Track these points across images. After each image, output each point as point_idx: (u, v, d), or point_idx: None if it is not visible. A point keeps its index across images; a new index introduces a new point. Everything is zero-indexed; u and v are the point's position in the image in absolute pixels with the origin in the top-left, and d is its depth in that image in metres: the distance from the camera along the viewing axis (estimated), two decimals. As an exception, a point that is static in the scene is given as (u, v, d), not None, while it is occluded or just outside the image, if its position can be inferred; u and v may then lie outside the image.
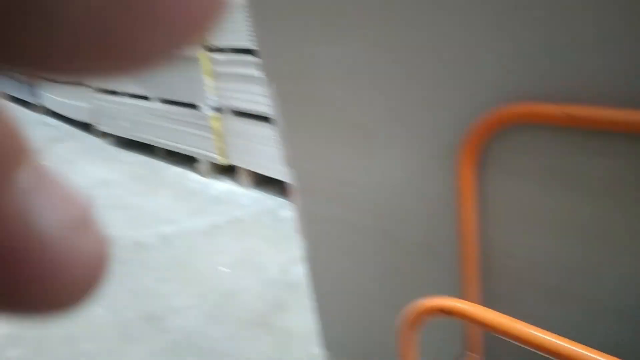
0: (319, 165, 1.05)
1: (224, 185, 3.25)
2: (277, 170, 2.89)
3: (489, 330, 0.57)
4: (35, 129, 5.29)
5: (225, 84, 3.00)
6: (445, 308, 0.60)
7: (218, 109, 3.13)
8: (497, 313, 0.58)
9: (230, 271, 2.25)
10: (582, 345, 0.50)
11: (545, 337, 0.52)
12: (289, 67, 1.01)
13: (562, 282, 0.77)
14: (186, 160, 3.59)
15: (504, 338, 0.57)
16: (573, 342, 0.51)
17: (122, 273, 2.28)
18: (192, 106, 3.29)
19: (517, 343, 0.55)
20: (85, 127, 4.84)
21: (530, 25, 0.68)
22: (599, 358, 0.49)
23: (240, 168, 3.19)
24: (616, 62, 0.62)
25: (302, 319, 1.88)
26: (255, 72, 2.76)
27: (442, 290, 0.73)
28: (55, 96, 5.28)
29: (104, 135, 4.48)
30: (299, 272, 2.19)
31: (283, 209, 2.82)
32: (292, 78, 1.01)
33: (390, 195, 0.95)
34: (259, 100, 2.82)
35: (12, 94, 6.54)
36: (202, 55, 3.03)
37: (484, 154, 0.78)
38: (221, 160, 3.24)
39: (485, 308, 0.59)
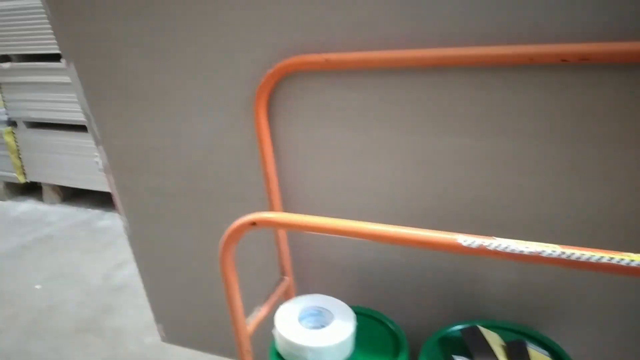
0: (129, 140, 1.11)
1: (26, 205, 2.98)
2: (85, 181, 2.76)
3: (296, 228, 0.70)
4: None
5: (14, 94, 2.76)
6: (256, 220, 0.72)
7: (9, 123, 2.87)
8: (298, 214, 0.71)
9: (45, 287, 2.11)
10: (372, 223, 0.67)
11: (343, 221, 0.67)
12: (88, 45, 1.05)
13: (342, 199, 0.96)
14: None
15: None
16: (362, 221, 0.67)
17: None
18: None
19: (322, 233, 0.69)
20: None
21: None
22: (378, 228, 0.65)
23: (42, 184, 2.96)
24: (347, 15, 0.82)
25: (132, 317, 1.86)
26: (46, 79, 2.61)
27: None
28: None
29: None
30: (122, 275, 2.15)
31: (97, 219, 2.71)
32: (92, 55, 1.05)
33: (199, 156, 1.05)
34: (53, 108, 2.66)
35: None
36: (-18, 64, 2.75)
37: (273, 102, 0.93)
38: (19, 178, 2.97)
39: (287, 213, 0.73)
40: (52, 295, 2.05)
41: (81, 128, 2.63)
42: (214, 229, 1.13)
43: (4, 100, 2.81)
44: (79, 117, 2.59)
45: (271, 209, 0.97)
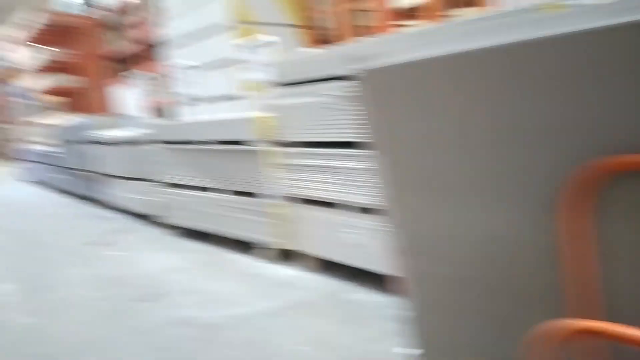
0: (427, 227, 1.19)
1: (286, 270, 3.37)
2: (340, 254, 3.02)
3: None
4: (96, 221, 5.62)
5: (290, 174, 3.24)
6: (591, 329, 0.70)
7: (281, 197, 3.35)
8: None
9: (299, 349, 2.31)
10: None
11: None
12: (398, 140, 1.19)
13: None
14: (251, 248, 3.77)
15: None
16: None
17: (202, 351, 2.37)
18: (255, 195, 3.53)
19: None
20: (144, 218, 5.15)
21: (616, 88, 0.84)
22: None
23: (304, 253, 3.33)
24: None
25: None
26: (317, 163, 3.00)
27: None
28: (111, 189, 5.66)
29: (163, 225, 4.73)
30: (377, 350, 2.24)
31: (349, 292, 2.90)
32: (401, 150, 1.18)
33: (495, 248, 1.07)
34: (319, 187, 3.03)
35: (66, 189, 6.99)
36: (267, 148, 3.32)
37: (584, 202, 0.91)
38: (285, 245, 3.41)
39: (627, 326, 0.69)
40: (306, 357, 2.24)
41: (342, 206, 2.92)
42: (502, 325, 1.12)
43: (280, 179, 3.31)
44: (342, 197, 2.89)
45: (574, 316, 0.93)
